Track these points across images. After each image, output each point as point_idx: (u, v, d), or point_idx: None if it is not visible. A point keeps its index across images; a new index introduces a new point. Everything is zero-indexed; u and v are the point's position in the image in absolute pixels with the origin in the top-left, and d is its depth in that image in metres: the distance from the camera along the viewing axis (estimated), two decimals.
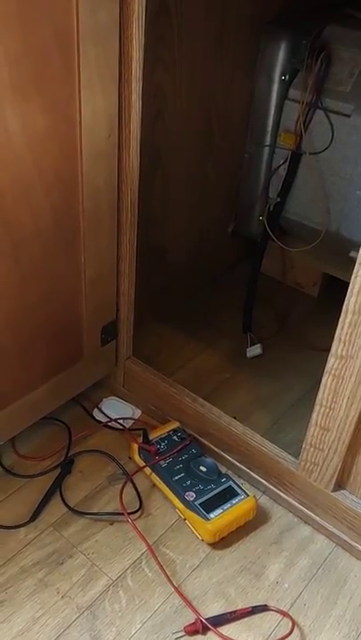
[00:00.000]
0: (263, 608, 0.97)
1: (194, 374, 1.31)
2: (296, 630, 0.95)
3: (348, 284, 0.85)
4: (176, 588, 0.98)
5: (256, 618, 0.97)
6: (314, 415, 0.98)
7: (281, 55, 1.24)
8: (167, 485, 1.09)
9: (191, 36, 1.13)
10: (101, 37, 0.87)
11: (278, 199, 1.34)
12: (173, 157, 1.24)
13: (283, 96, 1.27)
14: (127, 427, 1.22)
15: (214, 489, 1.07)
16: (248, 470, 1.14)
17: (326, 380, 0.94)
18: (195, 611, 0.96)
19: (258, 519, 1.08)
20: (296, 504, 1.09)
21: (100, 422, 1.23)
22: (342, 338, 0.88)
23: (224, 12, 1.18)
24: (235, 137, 1.36)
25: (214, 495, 1.06)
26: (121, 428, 1.22)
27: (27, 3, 0.76)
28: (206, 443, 1.17)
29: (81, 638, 0.93)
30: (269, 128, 1.31)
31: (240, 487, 1.08)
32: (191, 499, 1.05)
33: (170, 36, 1.10)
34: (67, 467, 1.14)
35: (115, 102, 0.94)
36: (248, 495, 1.07)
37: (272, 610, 0.97)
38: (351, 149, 1.21)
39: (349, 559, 1.05)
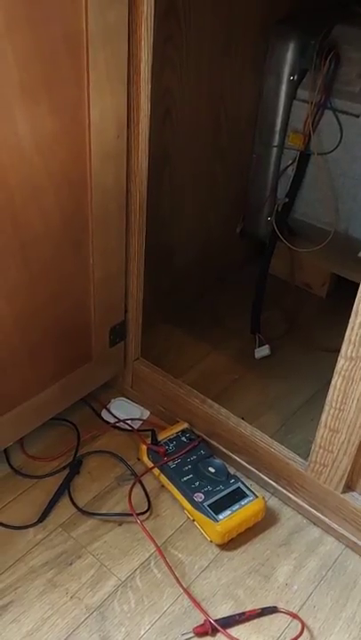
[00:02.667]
0: (272, 610, 0.97)
1: (202, 375, 1.31)
2: (306, 632, 0.95)
3: (357, 284, 0.84)
4: (185, 590, 0.98)
5: (265, 619, 0.96)
6: (323, 416, 0.98)
7: (290, 55, 1.23)
8: (176, 486, 1.09)
9: (199, 37, 1.13)
10: (110, 39, 0.87)
11: (287, 199, 1.33)
12: (182, 158, 1.24)
13: (291, 96, 1.27)
14: (136, 428, 1.22)
15: (223, 490, 1.07)
16: (257, 471, 1.13)
17: (336, 382, 0.93)
18: (204, 612, 0.96)
19: (267, 521, 1.08)
20: (305, 505, 1.09)
21: (108, 423, 1.23)
22: (352, 339, 0.88)
23: (232, 12, 1.18)
24: (243, 137, 1.36)
25: (223, 496, 1.06)
26: (129, 428, 1.22)
27: (35, 5, 0.77)
28: (215, 444, 1.17)
29: (90, 639, 0.93)
30: (278, 128, 1.30)
31: (249, 488, 1.07)
32: (200, 500, 1.05)
33: (178, 37, 1.10)
34: (75, 467, 1.14)
35: (123, 103, 0.94)
36: (257, 496, 1.06)
37: (281, 612, 0.97)
38: (360, 150, 1.21)
39: (359, 561, 1.05)
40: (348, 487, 1.03)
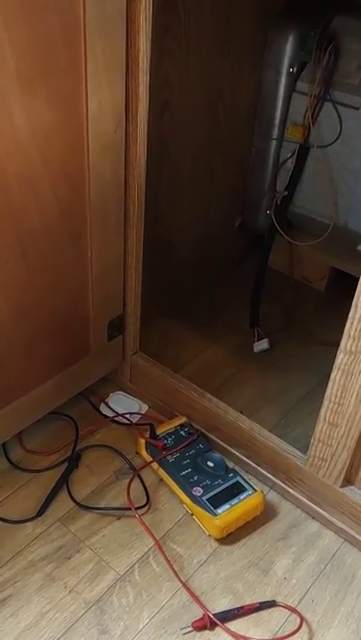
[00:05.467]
0: (271, 604, 0.97)
1: (201, 369, 1.30)
2: (304, 626, 0.95)
3: (357, 277, 0.84)
4: (184, 584, 0.98)
5: (264, 613, 0.96)
6: (322, 411, 0.98)
7: (289, 47, 1.22)
8: (174, 480, 1.09)
9: (198, 28, 1.12)
10: (108, 29, 0.86)
11: (286, 193, 1.33)
12: (180, 150, 1.23)
13: (291, 88, 1.26)
14: (134, 422, 1.22)
15: (222, 484, 1.06)
16: (256, 466, 1.13)
17: (335, 376, 0.93)
18: (202, 606, 0.96)
19: (265, 515, 1.08)
20: (304, 500, 1.09)
21: (107, 417, 1.23)
22: (352, 333, 0.87)
23: (231, 3, 1.17)
24: (242, 130, 1.35)
25: (222, 490, 1.06)
26: (128, 422, 1.22)
27: None
28: (214, 438, 1.17)
29: (88, 633, 0.93)
30: (277, 121, 1.30)
31: (248, 482, 1.07)
32: (198, 494, 1.05)
33: (177, 28, 1.09)
34: (74, 461, 1.14)
35: (122, 95, 0.93)
36: (256, 490, 1.06)
37: (280, 606, 0.97)
38: (359, 142, 1.20)
39: (358, 555, 1.05)
40: (347, 481, 1.03)
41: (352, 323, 0.87)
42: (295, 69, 1.24)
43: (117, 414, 1.23)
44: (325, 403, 0.96)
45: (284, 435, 1.12)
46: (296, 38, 1.21)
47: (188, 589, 0.98)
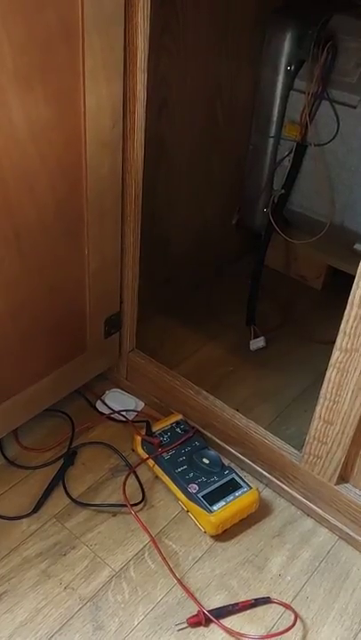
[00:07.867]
0: (266, 600, 0.97)
1: (197, 367, 1.31)
2: (299, 623, 0.95)
3: (352, 276, 0.84)
4: (179, 580, 0.99)
5: (259, 610, 0.97)
6: (318, 408, 0.98)
7: (287, 45, 1.22)
8: (170, 477, 1.09)
9: (196, 26, 1.12)
10: (106, 26, 0.86)
11: (283, 191, 1.33)
12: (178, 148, 1.23)
13: (288, 87, 1.26)
14: (130, 419, 1.22)
15: (217, 481, 1.07)
16: (251, 463, 1.13)
17: (331, 374, 0.93)
18: (197, 603, 0.96)
19: (261, 512, 1.08)
20: (299, 497, 1.09)
21: (103, 414, 1.23)
22: (347, 331, 0.88)
23: (229, 1, 1.17)
24: (240, 127, 1.35)
25: (217, 487, 1.06)
26: (124, 420, 1.22)
27: None
28: (209, 435, 1.17)
29: (84, 629, 0.93)
30: (274, 119, 1.30)
31: (243, 480, 1.08)
32: (194, 491, 1.05)
33: (175, 26, 1.09)
34: (69, 458, 1.14)
35: (119, 92, 0.93)
36: (251, 488, 1.06)
37: (275, 602, 0.97)
38: (357, 141, 1.20)
39: (352, 552, 1.05)
40: (342, 479, 1.03)
41: (348, 321, 0.87)
42: (293, 67, 1.24)
43: (113, 411, 1.23)
44: (321, 400, 0.97)
45: (279, 432, 1.13)
46: (294, 36, 1.21)
47: (184, 586, 0.98)
